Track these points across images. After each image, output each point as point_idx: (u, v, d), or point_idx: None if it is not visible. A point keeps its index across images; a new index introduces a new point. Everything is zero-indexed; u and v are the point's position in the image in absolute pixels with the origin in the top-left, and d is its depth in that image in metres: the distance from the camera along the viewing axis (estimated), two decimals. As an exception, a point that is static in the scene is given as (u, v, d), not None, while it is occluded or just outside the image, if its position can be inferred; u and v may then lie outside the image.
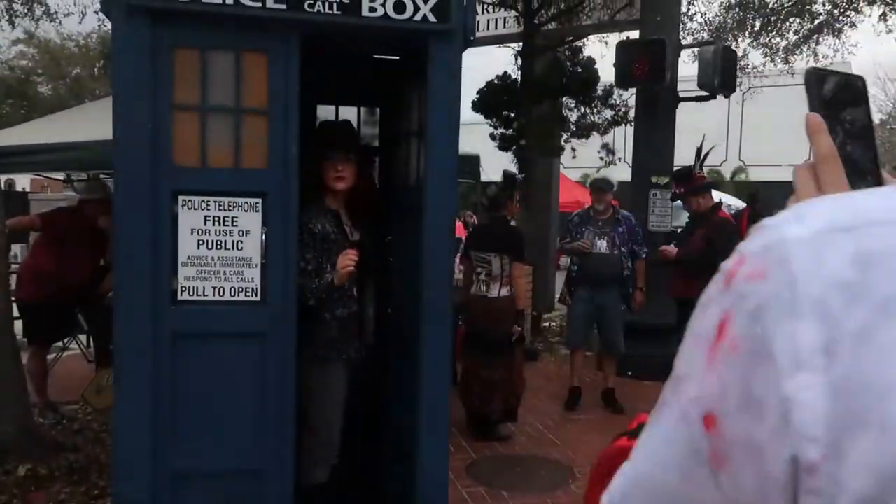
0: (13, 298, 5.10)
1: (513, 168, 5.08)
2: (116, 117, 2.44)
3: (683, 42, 7.49)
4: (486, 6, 10.51)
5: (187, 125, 2.52)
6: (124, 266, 2.46)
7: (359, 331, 2.96)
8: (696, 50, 7.24)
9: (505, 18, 10.80)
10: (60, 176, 8.96)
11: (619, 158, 9.96)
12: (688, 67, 8.44)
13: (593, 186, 5.48)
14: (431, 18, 2.58)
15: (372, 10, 2.52)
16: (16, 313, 5.77)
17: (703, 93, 6.61)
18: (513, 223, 4.97)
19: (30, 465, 4.13)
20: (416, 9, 2.56)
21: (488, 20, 10.92)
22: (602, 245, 5.40)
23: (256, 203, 2.58)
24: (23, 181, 16.80)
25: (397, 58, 3.41)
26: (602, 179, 5.51)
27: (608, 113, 9.36)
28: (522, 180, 4.94)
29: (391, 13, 2.54)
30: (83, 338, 6.11)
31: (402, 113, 3.22)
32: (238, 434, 2.59)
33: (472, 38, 2.67)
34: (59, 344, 5.81)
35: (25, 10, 9.45)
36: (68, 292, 4.87)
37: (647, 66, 6.25)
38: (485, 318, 4.73)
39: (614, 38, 9.61)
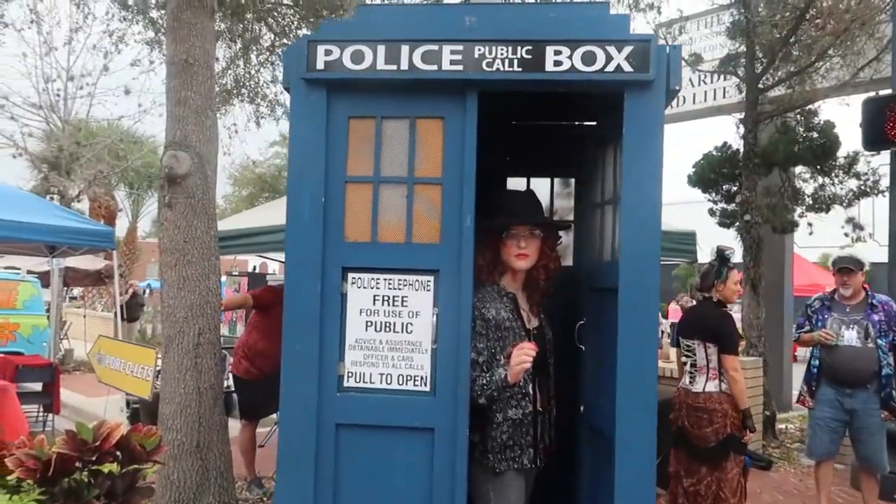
0: (234, 374, 5.38)
1: (732, 245, 4.37)
2: (291, 190, 2.36)
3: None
4: (703, 76, 9.90)
5: (359, 198, 2.37)
6: (292, 347, 2.32)
7: (535, 435, 2.51)
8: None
9: (725, 88, 10.08)
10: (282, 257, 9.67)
11: (870, 234, 8.60)
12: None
13: (838, 265, 4.57)
14: (627, 68, 2.23)
15: (557, 63, 2.24)
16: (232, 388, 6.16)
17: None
18: (729, 308, 4.23)
19: (225, 543, 4.16)
20: (609, 58, 2.23)
21: (706, 91, 10.27)
22: (851, 336, 4.46)
23: (428, 281, 2.34)
24: (272, 266, 18.71)
25: (594, 123, 3.09)
26: (848, 257, 4.59)
27: (853, 183, 8.17)
28: (744, 257, 4.20)
29: (579, 66, 2.24)
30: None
31: (598, 181, 2.85)
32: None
33: (677, 88, 2.27)
34: (274, 417, 6.00)
35: (268, 111, 10.60)
36: (280, 369, 4.99)
37: (905, 122, 5.28)
38: (687, 416, 4.02)
39: (855, 100, 8.48)
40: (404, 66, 2.28)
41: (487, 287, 2.50)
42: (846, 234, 8.46)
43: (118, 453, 3.00)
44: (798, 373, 10.19)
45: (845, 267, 4.56)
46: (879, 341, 4.44)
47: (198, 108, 4.41)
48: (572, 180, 3.33)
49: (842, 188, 8.08)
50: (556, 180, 3.34)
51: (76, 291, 20.84)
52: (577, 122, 3.25)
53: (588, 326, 2.77)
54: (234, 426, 6.00)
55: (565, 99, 2.76)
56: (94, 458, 2.87)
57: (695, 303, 4.50)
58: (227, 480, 4.47)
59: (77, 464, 2.62)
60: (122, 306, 9.39)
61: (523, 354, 2.29)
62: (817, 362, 4.59)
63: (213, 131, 4.54)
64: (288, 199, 2.37)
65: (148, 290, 20.62)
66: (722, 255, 4.08)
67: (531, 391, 2.48)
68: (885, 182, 8.10)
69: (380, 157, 2.37)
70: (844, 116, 8.23)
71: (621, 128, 2.30)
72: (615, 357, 2.28)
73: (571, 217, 3.27)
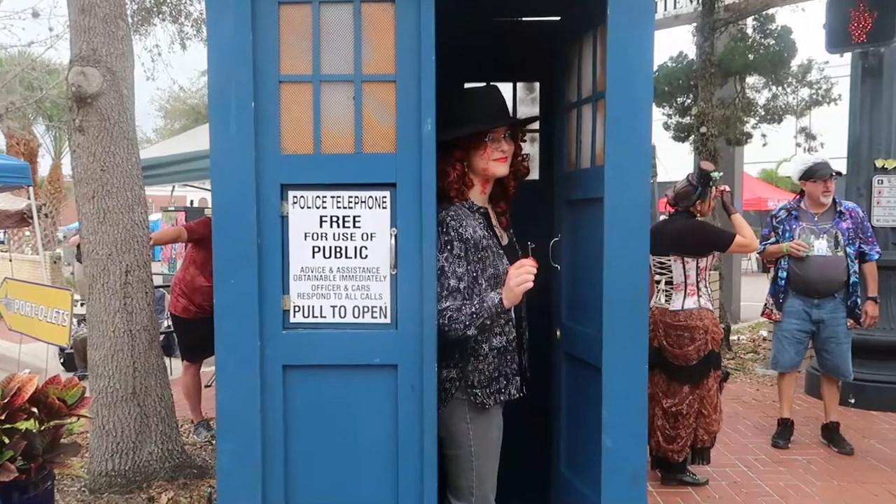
0: (172, 312, 5.00)
1: (706, 162, 4.10)
2: (213, 98, 1.96)
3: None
4: (655, -16, 9.51)
5: (297, 101, 1.99)
6: (226, 282, 1.97)
7: (520, 363, 2.26)
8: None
9: (678, -4, 9.73)
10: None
11: (821, 144, 8.56)
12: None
13: (822, 172, 4.37)
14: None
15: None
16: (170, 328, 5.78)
17: (946, 51, 5.28)
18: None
19: (172, 492, 3.88)
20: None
21: (660, 0, 9.90)
22: (821, 245, 4.33)
23: (383, 197, 2.00)
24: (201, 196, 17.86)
25: (557, 18, 2.73)
26: (826, 164, 4.42)
27: (805, 92, 8.05)
28: (720, 179, 3.97)
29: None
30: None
31: (572, 80, 2.52)
32: (365, 496, 2.01)
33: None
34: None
35: (194, 32, 9.79)
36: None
37: (871, 22, 5.05)
38: (665, 336, 3.86)
39: (811, 6, 8.26)
40: (343, -64, 1.88)
41: (457, 203, 2.17)
42: (798, 145, 8.40)
43: (34, 409, 2.65)
44: (748, 285, 10.36)
45: (833, 173, 4.39)
46: (848, 249, 4.33)
47: (106, 16, 3.85)
48: (537, 84, 2.99)
49: (794, 97, 7.96)
50: (520, 85, 2.99)
51: (1, 234, 19.71)
52: (537, 18, 2.89)
53: (563, 243, 2.49)
54: (179, 368, 5.66)
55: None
56: (3, 417, 2.51)
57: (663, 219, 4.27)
58: (170, 426, 4.16)
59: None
60: (77, 248, 8.78)
61: (524, 273, 1.98)
62: (785, 274, 4.47)
63: (127, 44, 4.00)
64: (210, 110, 1.97)
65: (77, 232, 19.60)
66: (707, 176, 3.84)
67: (513, 316, 2.21)
68: (836, 90, 8.02)
69: (319, 51, 1.98)
70: (800, 23, 8.04)
71: (601, 14, 1.96)
72: (598, 277, 2.01)
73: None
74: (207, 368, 5.50)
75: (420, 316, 1.98)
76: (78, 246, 3.80)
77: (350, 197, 2.00)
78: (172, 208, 11.02)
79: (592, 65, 2.24)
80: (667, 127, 8.02)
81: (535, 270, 1.99)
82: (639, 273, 1.95)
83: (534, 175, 2.98)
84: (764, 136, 8.13)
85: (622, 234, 1.93)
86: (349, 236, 2.01)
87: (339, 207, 2.01)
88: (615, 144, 1.92)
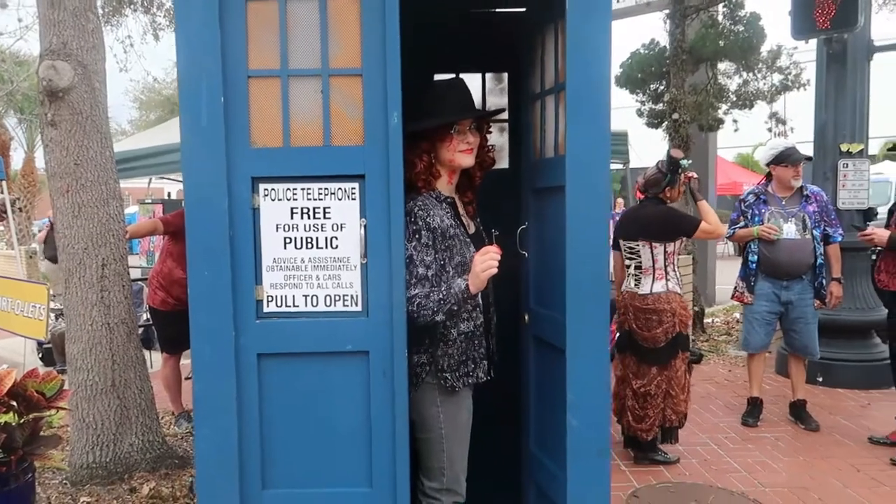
0: (150, 305, 5.01)
1: (675, 149, 4.19)
2: (183, 94, 2.00)
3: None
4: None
5: (266, 95, 2.03)
6: (199, 274, 2.01)
7: (487, 347, 2.33)
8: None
9: (650, -17, 9.80)
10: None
11: (791, 129, 8.71)
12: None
13: (793, 157, 4.48)
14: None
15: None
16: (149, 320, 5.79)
17: (908, 38, 5.41)
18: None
19: (153, 482, 3.92)
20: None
21: (630, -13, 9.96)
22: (790, 229, 4.44)
23: (352, 189, 2.05)
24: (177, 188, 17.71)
25: (523, 10, 2.79)
26: (796, 149, 4.53)
27: (776, 78, 8.16)
28: (689, 166, 4.06)
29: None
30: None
31: (536, 70, 2.58)
32: (339, 479, 2.08)
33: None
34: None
35: (167, 23, 9.71)
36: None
37: (834, 9, 5.16)
38: (635, 320, 3.96)
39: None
40: (308, -68, 1.92)
41: (424, 193, 2.24)
42: (769, 130, 8.53)
43: (13, 403, 2.69)
44: (723, 269, 10.52)
45: (803, 158, 4.51)
46: (815, 232, 4.45)
47: (75, 9, 3.85)
48: (505, 75, 3.05)
49: (765, 83, 8.07)
50: (488, 76, 3.05)
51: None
52: (504, 10, 2.94)
53: (530, 230, 2.56)
54: (159, 361, 5.69)
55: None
56: (-19, 411, 2.54)
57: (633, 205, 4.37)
58: (150, 417, 4.20)
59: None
60: (43, 243, 8.68)
61: (489, 259, 2.05)
62: (755, 257, 4.58)
63: (98, 37, 3.99)
64: (181, 105, 2.01)
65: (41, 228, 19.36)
66: (676, 163, 3.93)
67: (480, 301, 2.28)
68: (805, 76, 8.15)
69: (287, 45, 2.02)
70: (769, 9, 8.14)
71: (561, 7, 2.02)
72: (562, 262, 2.08)
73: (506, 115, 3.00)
74: (187, 361, 5.52)
75: (390, 303, 2.04)
76: (45, 241, 3.80)
77: (320, 189, 2.05)
78: (149, 200, 10.94)
79: (555, 56, 2.30)
80: (640, 113, 8.11)
81: (499, 256, 2.07)
82: (599, 257, 2.03)
83: (504, 164, 3.06)
84: (735, 121, 8.25)
85: (582, 221, 2.00)
86: (320, 227, 2.06)
87: (309, 199, 2.06)
88: (575, 134, 1.99)
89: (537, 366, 2.57)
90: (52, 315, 6.78)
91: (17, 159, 18.87)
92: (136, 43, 16.98)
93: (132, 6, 9.13)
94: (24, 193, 16.54)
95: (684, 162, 3.98)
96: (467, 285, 2.09)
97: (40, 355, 7.10)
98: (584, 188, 2.00)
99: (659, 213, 3.96)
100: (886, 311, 4.48)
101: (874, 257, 4.91)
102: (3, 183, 6.76)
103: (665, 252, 3.92)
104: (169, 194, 16.43)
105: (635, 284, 4.00)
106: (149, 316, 5.57)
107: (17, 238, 7.22)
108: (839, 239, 4.56)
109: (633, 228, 4.03)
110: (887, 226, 4.30)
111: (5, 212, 8.20)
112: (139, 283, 6.71)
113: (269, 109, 2.03)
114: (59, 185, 3.85)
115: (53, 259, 8.61)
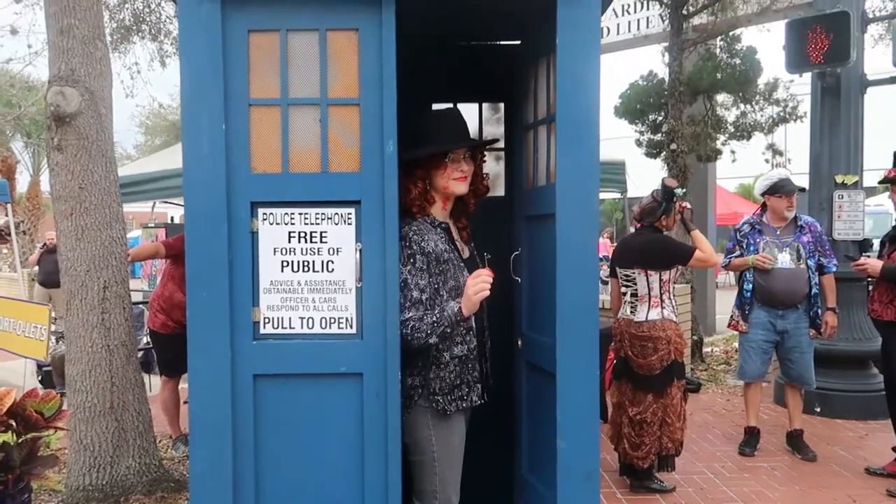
0: (150, 328, 5.05)
1: (669, 178, 4.26)
2: (185, 120, 2.06)
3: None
4: (626, 5, 9.75)
5: (266, 123, 2.10)
6: (198, 295, 2.06)
7: (481, 371, 2.37)
8: (891, 23, 6.07)
9: (648, 18, 9.97)
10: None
11: (789, 160, 8.80)
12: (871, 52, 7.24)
13: (787, 188, 4.55)
14: (559, -30, 2.01)
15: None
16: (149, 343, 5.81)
17: (901, 71, 5.50)
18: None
19: (149, 505, 3.93)
20: (539, -42, 2.00)
21: (629, 21, 10.14)
22: (784, 258, 4.49)
23: (349, 214, 2.11)
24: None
25: (518, 42, 2.87)
26: (790, 180, 4.60)
27: (773, 110, 8.27)
28: (684, 195, 4.13)
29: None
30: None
31: (529, 101, 2.65)
32: (332, 499, 2.10)
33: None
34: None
35: (174, 51, 9.87)
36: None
37: (827, 44, 5.26)
38: (631, 347, 3.99)
39: (776, 26, 8.52)
40: (309, -31, 2.00)
41: (419, 219, 2.29)
42: (766, 161, 8.62)
43: (11, 422, 2.72)
44: (723, 299, 10.53)
45: (797, 189, 4.57)
46: (809, 262, 4.50)
47: (84, 37, 3.95)
48: (501, 105, 3.13)
49: (762, 115, 8.18)
50: (485, 105, 3.12)
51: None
52: (501, 42, 3.03)
53: (523, 257, 2.61)
54: (158, 385, 5.70)
55: (488, 17, 2.54)
56: (-20, 430, 2.58)
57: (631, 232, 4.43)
58: (148, 440, 4.22)
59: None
60: (37, 265, 8.73)
61: (481, 282, 2.11)
62: (750, 286, 4.62)
63: (105, 65, 4.09)
64: (183, 131, 2.07)
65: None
66: (670, 192, 4.00)
67: (473, 325, 2.32)
68: (802, 108, 8.26)
69: (287, 76, 2.10)
70: (766, 43, 8.29)
71: (552, 41, 2.09)
72: (552, 288, 2.12)
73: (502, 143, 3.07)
74: (186, 385, 5.54)
75: (384, 326, 2.08)
76: (38, 264, 3.84)
77: (317, 214, 2.11)
78: (153, 224, 11.02)
79: (546, 88, 2.37)
80: (639, 143, 8.21)
81: (490, 280, 2.12)
82: (588, 283, 2.07)
83: (500, 192, 3.12)
84: (734, 152, 8.34)
85: (572, 247, 2.05)
86: (316, 251, 2.12)
87: (306, 224, 2.11)
88: (565, 163, 2.05)
89: (530, 390, 2.61)
90: (53, 338, 6.82)
91: (22, 182, 19.03)
92: (143, 70, 17.24)
93: (140, 34, 9.30)
94: (29, 216, 16.65)
95: (678, 191, 4.04)
96: (460, 308, 2.13)
97: (40, 378, 7.12)
98: (574, 216, 2.06)
99: (654, 242, 4.01)
100: (881, 340, 4.50)
101: (870, 288, 4.94)
102: (8, 206, 6.83)
103: (660, 280, 3.96)
104: (172, 218, 16.52)
105: (631, 312, 4.03)
106: (149, 339, 5.61)
107: (20, 261, 7.27)
108: (833, 269, 4.60)
109: (628, 256, 4.08)
110: (880, 256, 4.34)
111: (9, 234, 8.28)
112: (140, 306, 6.75)
113: (268, 136, 2.10)
114: (64, 209, 3.92)
115: (44, 283, 8.63)
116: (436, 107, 2.92)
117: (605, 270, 5.49)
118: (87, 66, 3.94)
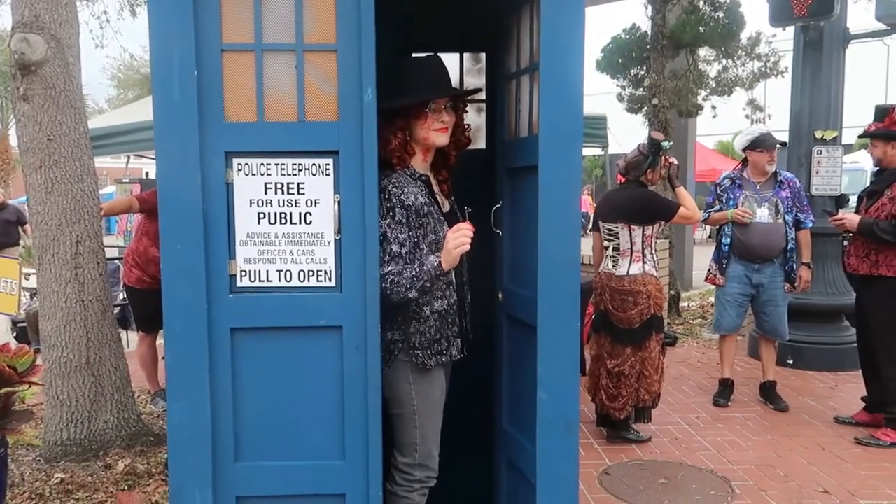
0: (126, 284, 4.99)
1: (656, 132, 4.25)
2: (155, 67, 1.98)
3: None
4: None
5: (240, 70, 2.02)
6: (172, 248, 2.01)
7: (461, 325, 2.36)
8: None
9: (631, -31, 9.80)
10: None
11: (769, 116, 8.80)
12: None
13: (768, 143, 4.55)
14: None
15: None
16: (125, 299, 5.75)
17: (884, 26, 5.48)
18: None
19: (129, 459, 3.92)
20: None
21: (613, -28, 9.95)
22: (763, 213, 4.52)
23: (326, 164, 2.05)
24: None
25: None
26: (771, 135, 4.60)
27: (755, 65, 8.23)
28: (670, 148, 4.11)
29: None
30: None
31: (512, 50, 2.59)
32: (312, 452, 2.10)
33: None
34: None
35: (145, -1, 9.55)
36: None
37: (811, -4, 5.21)
38: (611, 300, 4.02)
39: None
40: None
41: (399, 171, 2.25)
42: (747, 116, 8.61)
43: (-16, 378, 2.67)
44: (700, 254, 10.63)
45: (778, 143, 4.58)
46: (786, 217, 4.53)
47: (48, -19, 3.78)
48: (483, 55, 3.05)
49: (744, 70, 8.13)
50: (466, 55, 3.05)
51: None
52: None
53: (504, 210, 2.58)
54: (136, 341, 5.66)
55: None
56: (-49, 385, 2.53)
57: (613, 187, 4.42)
58: (126, 395, 4.20)
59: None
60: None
61: (462, 236, 2.08)
62: (728, 240, 4.65)
63: (71, 10, 3.94)
64: (153, 79, 1.99)
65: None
66: (657, 145, 3.97)
67: (454, 279, 2.30)
68: (783, 63, 8.22)
69: (261, 20, 2.01)
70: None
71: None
72: (534, 241, 2.10)
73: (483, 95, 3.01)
74: (163, 340, 5.51)
75: (363, 279, 2.05)
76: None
77: (294, 164, 2.05)
78: (127, 180, 10.82)
79: (530, 36, 2.31)
80: (620, 98, 8.15)
81: (471, 233, 2.09)
82: (570, 236, 2.05)
83: (481, 145, 3.07)
84: (714, 107, 8.31)
85: (554, 200, 2.02)
86: (293, 202, 2.07)
87: (283, 174, 2.06)
88: (548, 114, 2.00)
89: (510, 343, 2.61)
90: (27, 294, 6.72)
91: (-10, 137, 18.52)
92: (113, 19, 16.69)
93: (108, -19, 8.96)
94: (-1, 171, 16.27)
95: (665, 143, 4.02)
96: (440, 262, 2.11)
97: (14, 334, 7.05)
98: (557, 168, 2.02)
99: (639, 196, 4.01)
100: (855, 294, 4.57)
101: (845, 243, 5.00)
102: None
103: (643, 235, 3.97)
104: (147, 174, 16.20)
105: (613, 266, 4.05)
106: (125, 295, 5.55)
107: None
108: (810, 225, 4.64)
109: (612, 210, 4.08)
110: (857, 211, 4.38)
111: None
112: (116, 262, 6.66)
113: (243, 84, 2.02)
114: (32, 161, 3.81)
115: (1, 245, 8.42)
116: (416, 55, 2.84)
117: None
118: (53, 13, 3.79)
